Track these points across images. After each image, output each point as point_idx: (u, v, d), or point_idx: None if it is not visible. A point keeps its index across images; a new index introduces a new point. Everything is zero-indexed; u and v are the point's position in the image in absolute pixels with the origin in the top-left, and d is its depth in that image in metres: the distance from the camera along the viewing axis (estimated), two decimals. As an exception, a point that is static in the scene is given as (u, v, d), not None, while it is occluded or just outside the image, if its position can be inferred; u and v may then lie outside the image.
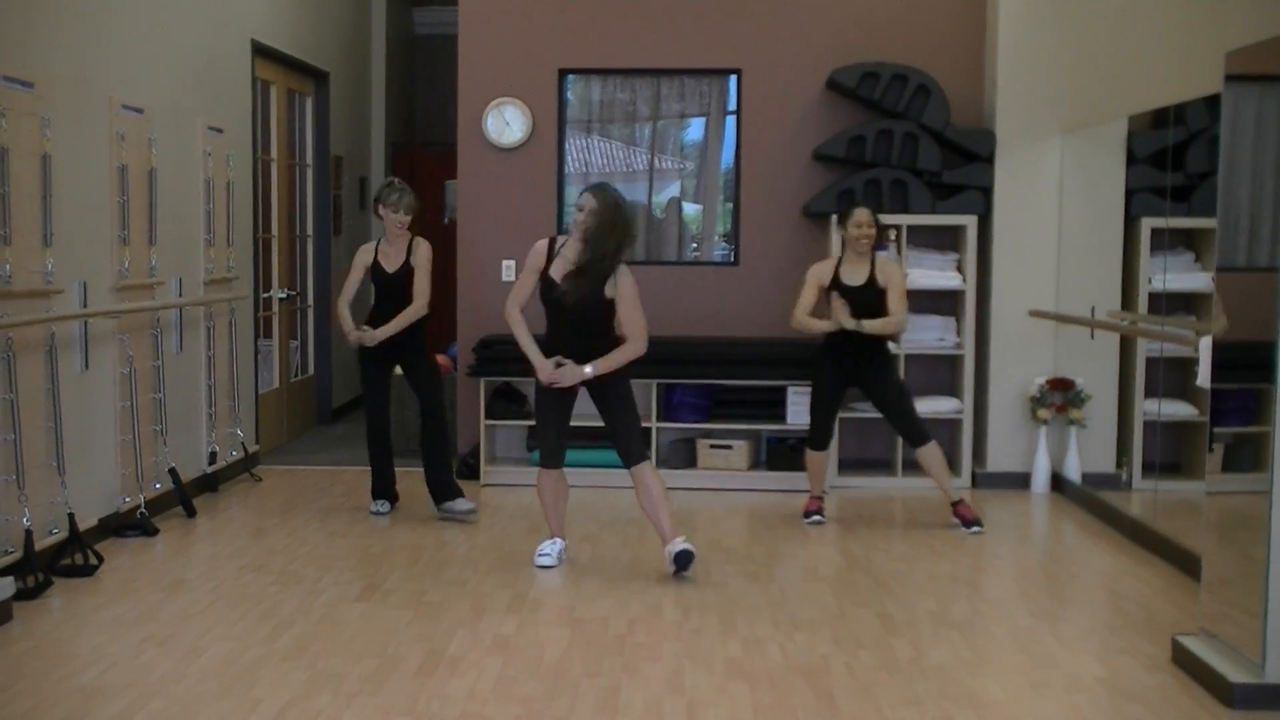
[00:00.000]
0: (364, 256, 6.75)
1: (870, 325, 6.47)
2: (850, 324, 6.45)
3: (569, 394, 5.75)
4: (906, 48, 7.88)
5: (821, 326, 6.60)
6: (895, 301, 6.52)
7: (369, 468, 6.94)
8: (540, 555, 5.81)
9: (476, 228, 8.11)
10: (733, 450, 7.67)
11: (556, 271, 5.65)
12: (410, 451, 8.09)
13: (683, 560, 5.57)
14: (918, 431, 6.65)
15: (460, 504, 6.74)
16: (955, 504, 6.68)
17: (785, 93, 8.05)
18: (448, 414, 7.00)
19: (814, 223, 8.03)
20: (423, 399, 6.73)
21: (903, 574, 5.78)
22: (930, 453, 6.64)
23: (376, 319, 6.66)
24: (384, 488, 6.91)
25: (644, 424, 7.59)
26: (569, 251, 5.66)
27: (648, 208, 8.61)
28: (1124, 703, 4.22)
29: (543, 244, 5.77)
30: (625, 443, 5.75)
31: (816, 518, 6.74)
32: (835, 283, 6.57)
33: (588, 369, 5.61)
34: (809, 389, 7.45)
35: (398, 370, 6.80)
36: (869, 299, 6.52)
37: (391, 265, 6.64)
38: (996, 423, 7.69)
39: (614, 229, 5.57)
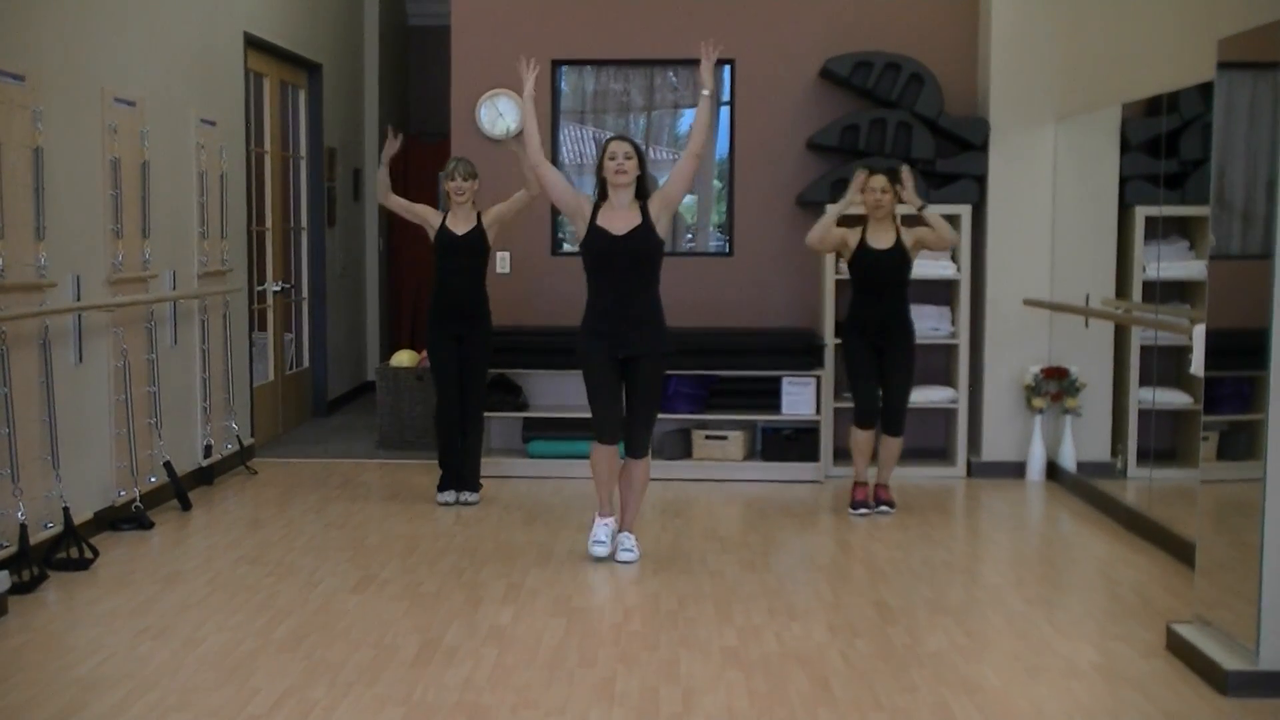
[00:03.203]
0: (433, 217, 6.81)
1: (932, 214, 6.51)
2: (916, 203, 6.47)
3: (613, 368, 5.70)
4: (900, 36, 7.87)
5: (838, 209, 6.60)
6: (943, 223, 6.53)
7: (436, 456, 7.00)
8: (594, 544, 5.74)
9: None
10: (728, 440, 7.68)
11: (610, 224, 5.64)
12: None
13: (622, 559, 5.70)
14: (902, 421, 6.72)
15: (470, 497, 6.81)
16: (880, 486, 6.78)
17: (779, 82, 8.05)
18: (485, 403, 7.03)
19: (808, 212, 8.02)
20: (469, 379, 6.77)
21: (898, 562, 5.79)
22: (897, 444, 6.75)
23: (444, 284, 6.74)
24: (454, 475, 6.86)
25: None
26: (619, 204, 5.66)
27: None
28: (1119, 689, 4.24)
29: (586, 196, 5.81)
30: (637, 433, 5.74)
31: (864, 510, 6.69)
32: (861, 245, 6.61)
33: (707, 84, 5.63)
34: (810, 379, 7.50)
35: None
36: (895, 263, 6.56)
37: (461, 228, 6.74)
38: (991, 411, 7.70)
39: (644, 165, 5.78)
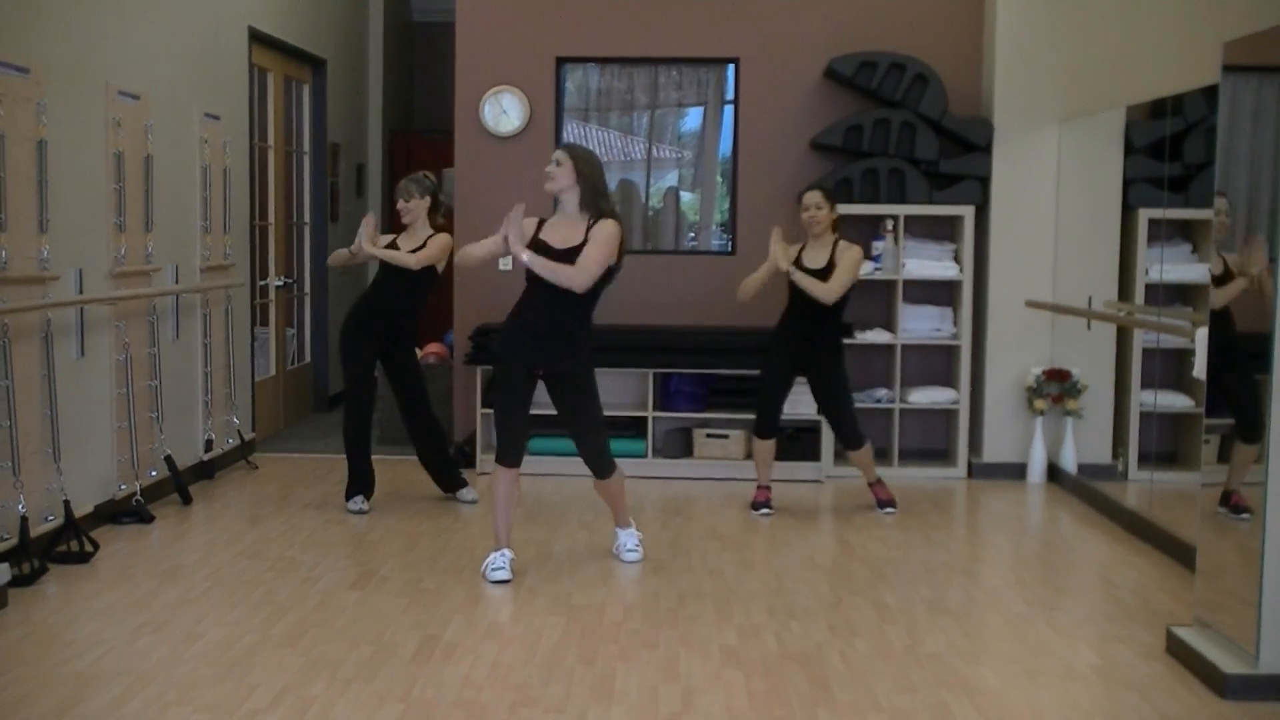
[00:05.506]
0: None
1: (800, 277, 6.40)
2: (785, 265, 6.36)
3: (527, 383, 5.45)
4: (904, 37, 7.87)
5: (758, 277, 6.51)
6: (837, 275, 6.39)
7: (346, 462, 6.68)
8: (494, 570, 5.32)
9: (473, 216, 8.09)
10: (729, 439, 7.67)
11: (551, 237, 5.38)
12: (403, 439, 8.10)
13: (626, 559, 5.69)
14: (854, 434, 6.66)
15: (467, 494, 6.83)
16: (873, 484, 6.78)
17: (783, 82, 8.04)
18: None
19: (811, 212, 8.02)
20: (411, 389, 6.69)
21: (898, 562, 5.79)
22: (864, 454, 6.70)
23: (374, 296, 6.65)
24: (366, 483, 6.65)
25: (640, 414, 7.64)
26: (565, 213, 5.43)
27: (645, 197, 8.60)
28: (1119, 691, 4.23)
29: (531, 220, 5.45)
30: (592, 457, 5.54)
31: (765, 510, 6.69)
32: (797, 262, 6.52)
33: (525, 256, 5.21)
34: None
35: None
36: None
37: (406, 246, 6.56)
38: (993, 413, 7.70)
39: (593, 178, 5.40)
